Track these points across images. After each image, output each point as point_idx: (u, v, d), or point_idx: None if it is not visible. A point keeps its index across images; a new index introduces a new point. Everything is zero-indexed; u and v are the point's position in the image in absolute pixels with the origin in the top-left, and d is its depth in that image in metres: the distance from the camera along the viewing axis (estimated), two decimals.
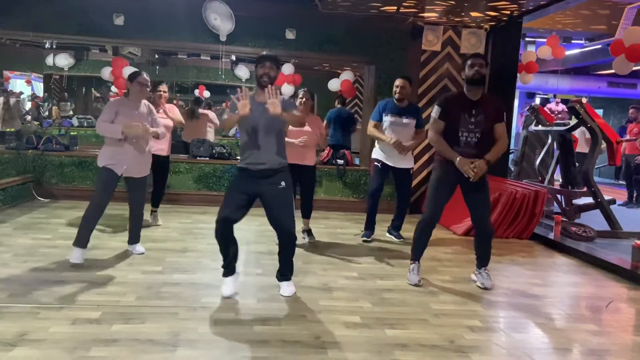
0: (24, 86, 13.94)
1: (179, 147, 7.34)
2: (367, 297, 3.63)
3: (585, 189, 6.77)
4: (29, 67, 12.40)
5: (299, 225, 5.37)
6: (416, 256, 4.09)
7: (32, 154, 6.80)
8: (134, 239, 4.42)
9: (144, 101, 4.25)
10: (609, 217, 6.50)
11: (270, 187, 3.48)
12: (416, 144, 5.41)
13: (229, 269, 3.58)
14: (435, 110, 3.92)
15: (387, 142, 5.11)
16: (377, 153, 5.36)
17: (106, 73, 8.25)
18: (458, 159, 3.75)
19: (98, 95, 12.45)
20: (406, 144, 5.12)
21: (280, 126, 3.53)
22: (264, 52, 3.53)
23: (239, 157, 3.92)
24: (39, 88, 13.54)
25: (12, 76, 13.30)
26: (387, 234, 5.65)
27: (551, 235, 5.83)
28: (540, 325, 3.35)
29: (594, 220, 6.55)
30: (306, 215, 5.25)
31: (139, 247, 4.42)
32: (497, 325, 3.35)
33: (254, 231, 5.49)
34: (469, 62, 3.81)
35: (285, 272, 3.67)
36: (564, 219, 6.37)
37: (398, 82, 5.16)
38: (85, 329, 2.83)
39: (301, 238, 5.20)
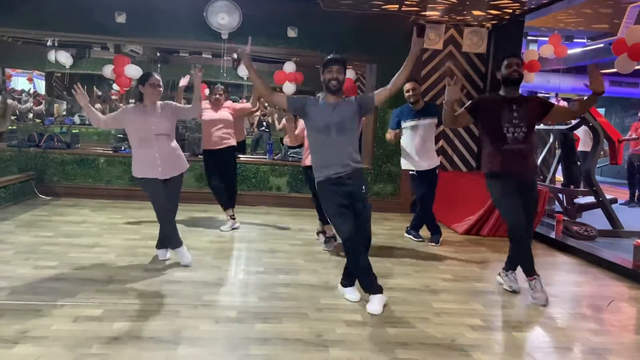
0: (26, 84, 13.95)
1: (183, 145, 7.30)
2: (368, 295, 3.62)
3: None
4: (30, 65, 12.41)
5: (309, 226, 5.32)
6: (528, 271, 3.76)
7: (34, 151, 6.82)
8: (165, 243, 4.20)
9: (160, 102, 4.03)
10: (611, 216, 6.49)
11: (358, 192, 3.40)
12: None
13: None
14: (467, 104, 3.82)
15: (397, 137, 5.13)
16: (405, 164, 5.29)
17: (108, 71, 8.25)
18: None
19: (99, 93, 12.44)
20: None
21: (353, 126, 3.47)
22: (331, 55, 3.42)
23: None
24: (41, 86, 13.55)
25: (14, 74, 13.32)
26: (406, 234, 5.59)
27: (553, 234, 5.82)
28: (542, 324, 3.35)
29: (596, 219, 6.54)
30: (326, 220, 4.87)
31: (168, 254, 4.20)
32: (498, 323, 3.35)
33: (256, 229, 5.50)
34: (505, 62, 3.72)
35: (363, 284, 3.46)
36: (566, 218, 6.37)
37: (408, 85, 5.10)
38: (87, 327, 2.83)
39: (317, 241, 5.09)
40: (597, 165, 7.54)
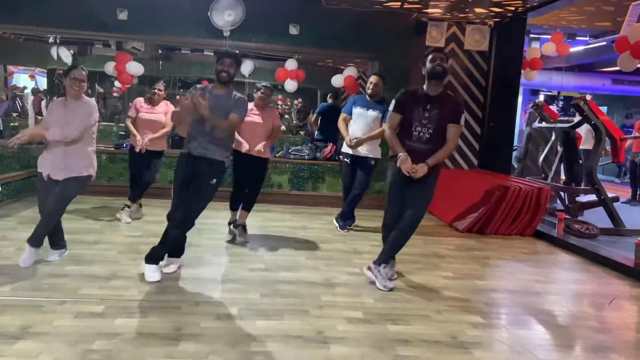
0: (28, 81, 13.97)
1: (176, 142, 7.29)
2: (370, 293, 3.63)
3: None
4: (32, 62, 12.41)
5: (226, 217, 5.21)
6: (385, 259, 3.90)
7: (36, 148, 6.81)
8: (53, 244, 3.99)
9: (87, 99, 3.82)
10: (612, 215, 6.48)
11: (202, 177, 3.63)
12: (373, 137, 5.37)
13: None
14: (392, 104, 3.83)
15: (346, 140, 5.46)
16: (345, 147, 5.56)
17: (110, 68, 8.26)
18: (401, 155, 3.64)
19: (101, 90, 12.43)
20: (362, 137, 5.35)
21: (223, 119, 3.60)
22: (225, 49, 3.60)
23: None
24: (43, 83, 13.57)
25: (16, 71, 13.32)
26: (334, 221, 5.76)
27: (554, 233, 5.82)
28: (543, 322, 3.35)
29: (597, 217, 6.53)
30: (247, 208, 4.95)
31: (53, 257, 3.94)
32: (499, 321, 3.35)
33: (256, 227, 5.50)
34: (429, 56, 3.70)
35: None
36: (567, 216, 6.36)
37: (372, 79, 5.48)
38: (89, 323, 2.84)
39: (228, 232, 5.06)
40: (599, 164, 7.52)
